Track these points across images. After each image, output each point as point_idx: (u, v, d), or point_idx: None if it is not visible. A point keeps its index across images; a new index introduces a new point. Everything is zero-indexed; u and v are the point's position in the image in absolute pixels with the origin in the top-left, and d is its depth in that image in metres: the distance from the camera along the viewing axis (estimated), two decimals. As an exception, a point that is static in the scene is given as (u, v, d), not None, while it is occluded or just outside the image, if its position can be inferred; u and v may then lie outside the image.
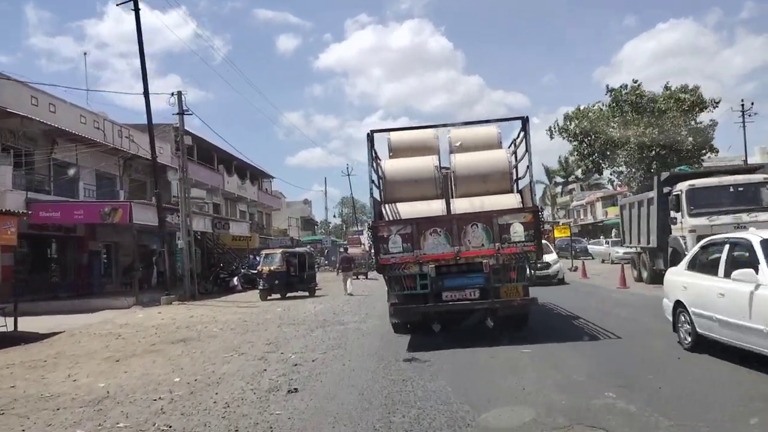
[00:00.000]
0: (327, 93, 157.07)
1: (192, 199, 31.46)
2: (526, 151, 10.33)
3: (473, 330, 9.75)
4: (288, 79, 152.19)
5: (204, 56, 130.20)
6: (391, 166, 10.87)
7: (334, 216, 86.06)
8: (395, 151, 11.29)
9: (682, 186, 15.72)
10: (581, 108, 36.49)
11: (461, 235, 9.17)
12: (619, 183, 39.40)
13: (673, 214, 16.09)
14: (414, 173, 10.60)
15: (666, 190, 16.66)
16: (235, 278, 25.99)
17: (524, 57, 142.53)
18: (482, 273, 9.16)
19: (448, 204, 10.32)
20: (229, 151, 38.73)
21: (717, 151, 35.02)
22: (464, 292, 9.27)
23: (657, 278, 18.60)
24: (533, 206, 9.65)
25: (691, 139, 33.69)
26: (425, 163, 10.68)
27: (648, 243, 18.35)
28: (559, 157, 70.49)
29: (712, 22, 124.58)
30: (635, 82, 34.63)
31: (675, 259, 16.53)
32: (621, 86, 34.73)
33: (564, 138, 36.97)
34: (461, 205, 10.08)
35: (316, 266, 26.56)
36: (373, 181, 10.31)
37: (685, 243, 15.49)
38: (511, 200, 10.18)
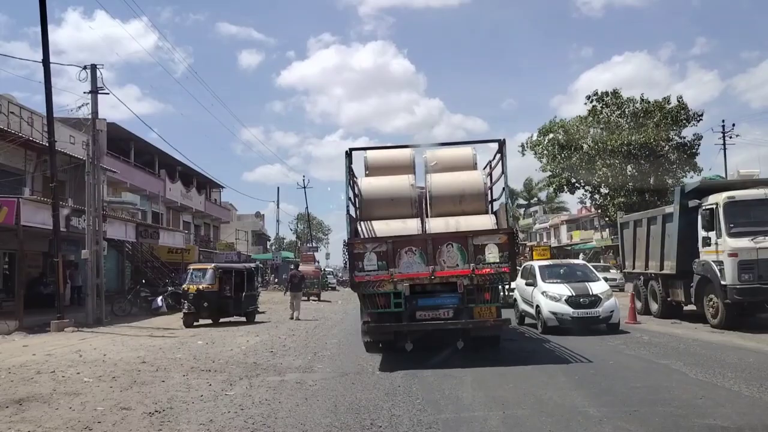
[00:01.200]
0: (288, 110, 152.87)
1: (122, 205, 27.00)
2: (502, 173, 10.26)
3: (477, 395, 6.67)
4: (249, 95, 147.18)
5: (165, 68, 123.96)
6: (368, 184, 10.82)
7: (291, 230, 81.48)
8: (371, 170, 11.21)
9: (718, 198, 12.56)
10: (558, 120, 33.93)
11: (436, 255, 9.12)
12: (594, 203, 36.64)
13: (704, 233, 12.90)
14: (391, 192, 10.57)
15: (692, 203, 13.52)
16: (160, 298, 21.40)
17: (484, 82, 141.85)
18: (456, 293, 9.16)
19: (423, 223, 10.28)
20: (175, 155, 34.41)
21: (700, 170, 32.72)
22: (438, 312, 9.28)
23: (671, 312, 15.39)
24: (508, 228, 9.55)
25: (674, 156, 31.26)
26: (402, 182, 10.68)
27: (661, 269, 15.16)
28: (526, 179, 68.57)
29: (665, 57, 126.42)
30: (615, 91, 32.28)
31: (703, 289, 13.37)
32: (602, 93, 32.21)
33: (536, 155, 34.24)
34: (436, 225, 10.04)
35: (258, 285, 22.47)
36: (349, 198, 10.25)
37: (721, 269, 12.32)
38: (486, 221, 10.20)
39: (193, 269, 17.85)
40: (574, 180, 33.83)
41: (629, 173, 31.28)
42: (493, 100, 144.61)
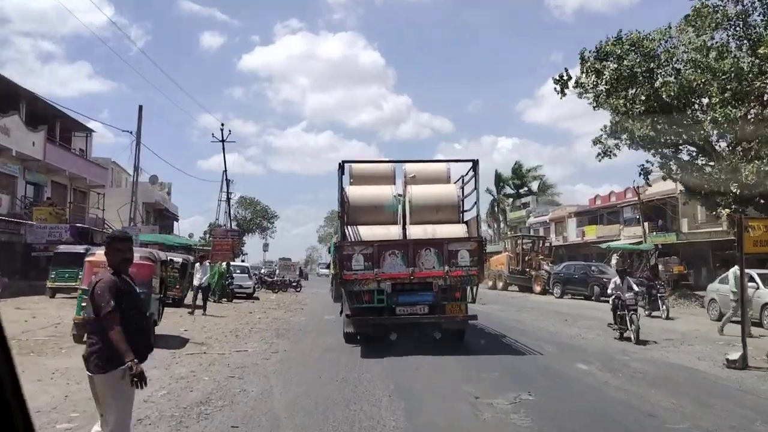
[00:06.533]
0: (248, 97, 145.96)
1: None
2: (475, 188, 11.83)
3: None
4: (208, 79, 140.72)
5: (119, 46, 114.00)
6: (355, 192, 12.05)
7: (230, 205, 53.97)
8: (356, 179, 12.58)
9: None
10: (625, 35, 21.20)
11: (416, 258, 10.60)
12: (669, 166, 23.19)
13: None
14: (375, 200, 11.94)
15: None
16: None
17: (453, 82, 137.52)
18: (432, 291, 10.67)
19: (404, 229, 11.62)
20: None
21: None
22: (415, 308, 10.73)
23: None
24: (478, 236, 11.27)
25: None
26: (385, 192, 12.15)
27: None
28: (515, 164, 61.18)
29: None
30: None
31: None
32: None
33: (587, 91, 22.11)
34: (416, 231, 11.44)
35: None
36: (341, 205, 11.66)
37: None
38: (459, 229, 11.67)
39: None
40: (661, 127, 20.55)
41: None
42: (460, 101, 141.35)
